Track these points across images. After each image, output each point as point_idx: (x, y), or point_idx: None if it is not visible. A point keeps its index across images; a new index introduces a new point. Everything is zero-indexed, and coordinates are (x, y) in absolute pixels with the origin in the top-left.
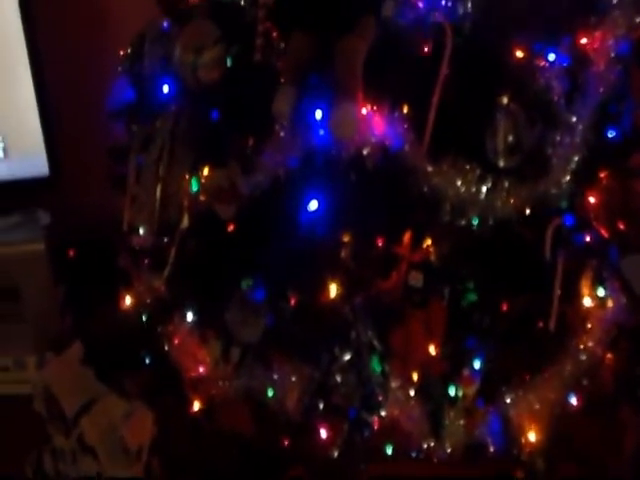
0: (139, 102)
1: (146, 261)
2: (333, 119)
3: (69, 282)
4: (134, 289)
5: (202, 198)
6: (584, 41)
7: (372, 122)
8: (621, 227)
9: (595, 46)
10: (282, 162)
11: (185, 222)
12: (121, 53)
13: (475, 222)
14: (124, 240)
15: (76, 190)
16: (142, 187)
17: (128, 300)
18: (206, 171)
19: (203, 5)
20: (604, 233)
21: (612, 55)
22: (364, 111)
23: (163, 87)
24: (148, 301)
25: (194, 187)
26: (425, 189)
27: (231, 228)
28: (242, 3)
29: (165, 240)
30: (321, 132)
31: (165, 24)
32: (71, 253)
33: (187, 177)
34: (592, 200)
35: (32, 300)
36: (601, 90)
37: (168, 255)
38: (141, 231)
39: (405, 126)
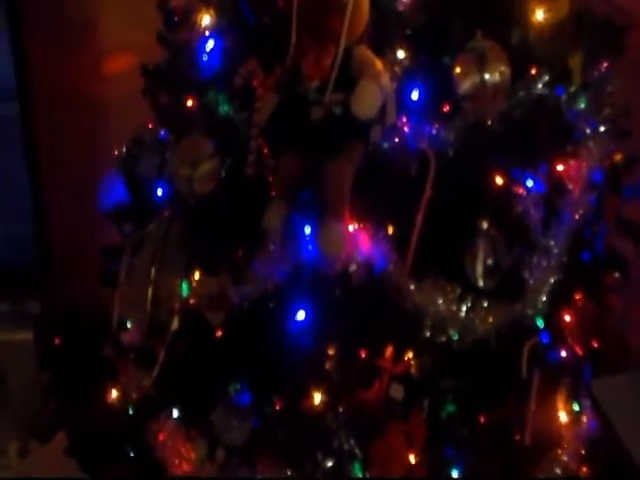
0: (133, 203)
1: (133, 357)
2: (321, 237)
3: (54, 370)
4: (120, 383)
5: (192, 302)
6: (560, 168)
7: (358, 241)
8: (595, 345)
9: (571, 174)
10: (272, 274)
11: (175, 324)
12: (115, 153)
13: (455, 338)
14: (112, 335)
15: (66, 282)
16: (133, 287)
17: (114, 393)
18: (197, 276)
19: (199, 118)
20: (579, 351)
21: (587, 182)
22: (351, 229)
23: (157, 191)
24: (134, 396)
25: (185, 291)
26: (408, 306)
27: (219, 333)
28: (235, 120)
29: (154, 340)
30: (309, 247)
31: (162, 132)
32: (57, 341)
33: (178, 281)
34: (567, 319)
35: (17, 386)
36: (576, 216)
37: (157, 354)
38: (130, 329)
39: (389, 246)
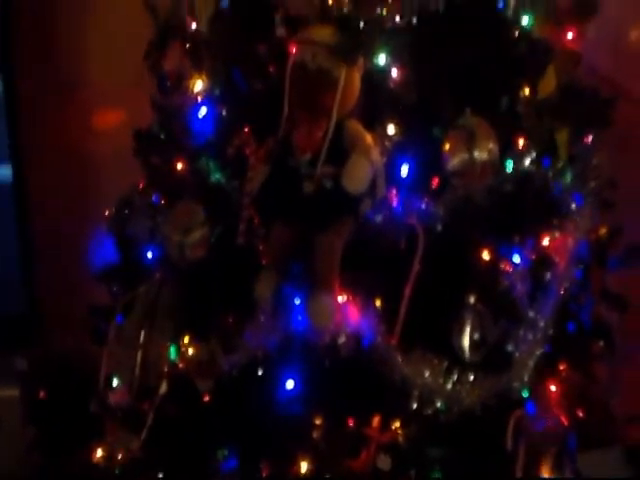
0: (122, 264)
1: (121, 418)
2: (311, 308)
3: (40, 426)
4: (106, 442)
5: (181, 366)
6: (546, 242)
7: (347, 313)
8: (580, 415)
9: (557, 247)
10: (262, 343)
11: (164, 388)
12: (106, 213)
13: (441, 409)
14: (99, 393)
15: (54, 339)
16: (123, 349)
17: (100, 452)
18: (186, 340)
19: (191, 184)
20: (564, 421)
21: (573, 255)
22: (340, 301)
23: (147, 253)
24: (121, 457)
25: (173, 355)
26: (395, 377)
27: (207, 398)
28: (227, 187)
29: (143, 402)
30: (299, 318)
31: (154, 196)
32: (43, 397)
33: (167, 344)
34: (553, 389)
35: (2, 442)
36: (562, 289)
37: (145, 417)
38: (118, 389)
39: (378, 318)
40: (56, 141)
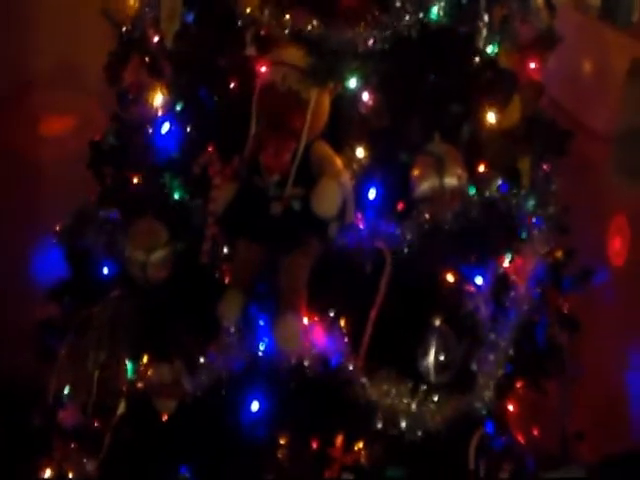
0: (75, 279)
1: (74, 439)
2: (277, 329)
3: None
4: (55, 460)
5: (140, 386)
6: (506, 265)
7: (313, 334)
8: (535, 433)
9: (517, 270)
10: (226, 364)
11: (122, 408)
12: (57, 227)
13: (406, 430)
14: (46, 410)
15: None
16: (77, 366)
17: (48, 472)
18: (145, 359)
19: (151, 201)
20: (520, 439)
21: (531, 278)
22: (306, 322)
23: (103, 269)
24: (71, 476)
25: (131, 374)
26: (360, 399)
27: (166, 419)
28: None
29: (99, 422)
30: (265, 340)
31: (112, 212)
32: None
33: (126, 363)
34: (510, 409)
35: None
36: (522, 310)
37: (100, 437)
38: (69, 408)
39: (343, 339)
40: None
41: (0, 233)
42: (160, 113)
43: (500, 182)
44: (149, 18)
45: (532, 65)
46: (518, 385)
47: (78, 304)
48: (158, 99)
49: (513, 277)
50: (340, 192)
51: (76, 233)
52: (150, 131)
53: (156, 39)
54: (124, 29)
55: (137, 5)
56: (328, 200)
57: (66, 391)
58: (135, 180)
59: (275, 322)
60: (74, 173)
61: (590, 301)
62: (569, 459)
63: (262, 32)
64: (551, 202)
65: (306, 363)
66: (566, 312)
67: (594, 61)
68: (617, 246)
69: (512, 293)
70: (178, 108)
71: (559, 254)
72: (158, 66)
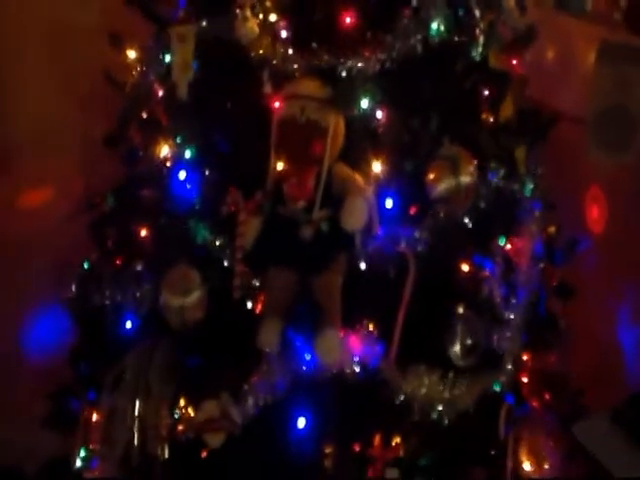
0: (91, 342)
1: None
2: (319, 345)
3: None
4: None
5: (180, 428)
6: (509, 247)
7: (351, 344)
8: (547, 398)
9: (519, 251)
10: (271, 389)
11: (165, 453)
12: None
13: (440, 415)
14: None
15: None
16: (113, 424)
17: None
18: (182, 402)
19: (182, 250)
20: (535, 404)
21: (533, 256)
22: (343, 334)
23: (126, 324)
24: None
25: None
26: (396, 396)
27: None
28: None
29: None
30: (307, 357)
31: (139, 267)
32: None
33: (165, 409)
34: (524, 380)
35: None
36: (529, 287)
37: None
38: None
39: (377, 343)
40: None
41: None
42: (169, 164)
43: (503, 172)
44: (153, 73)
45: (515, 62)
46: (526, 357)
47: (99, 364)
48: (165, 151)
49: (515, 258)
50: (366, 206)
51: (87, 295)
52: (166, 182)
53: (160, 93)
54: (128, 88)
55: (139, 64)
56: (357, 216)
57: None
58: (143, 233)
59: (316, 339)
60: (56, 243)
61: (576, 268)
62: (581, 414)
63: (276, 70)
64: (540, 185)
65: (347, 371)
66: (560, 282)
67: (558, 49)
68: (595, 215)
69: (518, 273)
70: (188, 156)
71: (552, 230)
72: (157, 120)
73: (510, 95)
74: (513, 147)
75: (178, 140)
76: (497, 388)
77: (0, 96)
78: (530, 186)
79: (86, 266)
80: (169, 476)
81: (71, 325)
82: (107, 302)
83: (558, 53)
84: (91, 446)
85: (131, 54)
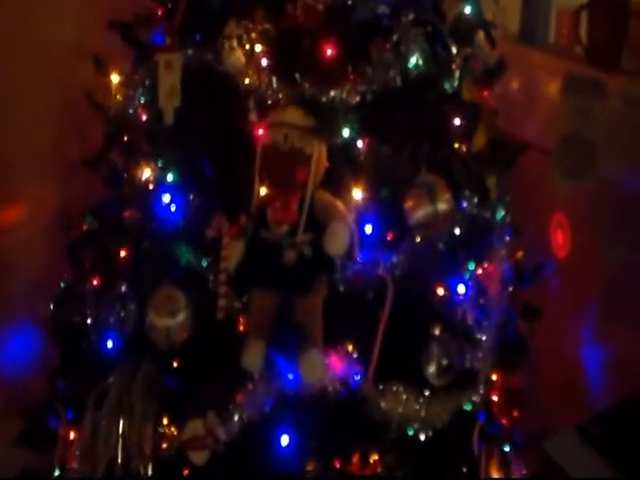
0: (71, 361)
1: None
2: (303, 365)
3: None
4: None
5: (164, 446)
6: (479, 272)
7: (332, 364)
8: (515, 415)
9: (487, 274)
10: (255, 408)
11: (149, 471)
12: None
13: (414, 434)
14: None
15: None
16: (96, 441)
17: None
18: (165, 420)
19: (166, 271)
20: (505, 422)
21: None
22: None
23: (107, 344)
24: None
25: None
26: (375, 413)
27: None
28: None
29: None
30: (290, 377)
31: (123, 287)
32: None
33: (149, 428)
34: (494, 398)
35: None
36: (499, 310)
37: None
38: None
39: (356, 362)
40: None
41: None
42: (151, 187)
43: (476, 199)
44: (139, 98)
45: (485, 93)
46: (495, 377)
47: (79, 383)
48: (146, 173)
49: (486, 282)
50: (348, 233)
51: (66, 315)
52: (149, 204)
53: (144, 118)
54: (112, 112)
55: (123, 88)
56: (339, 241)
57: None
58: (122, 253)
59: (299, 359)
60: (30, 261)
61: (541, 290)
62: (547, 431)
63: (261, 98)
64: (508, 210)
65: (329, 389)
66: (526, 304)
67: (523, 81)
68: (560, 239)
69: (489, 296)
70: (170, 179)
71: (520, 254)
72: (138, 144)
73: (482, 125)
74: (484, 176)
75: (159, 164)
76: (469, 407)
77: None
78: (501, 213)
79: (62, 285)
80: None
81: (48, 344)
82: (88, 322)
83: (524, 84)
84: (68, 465)
85: (115, 78)
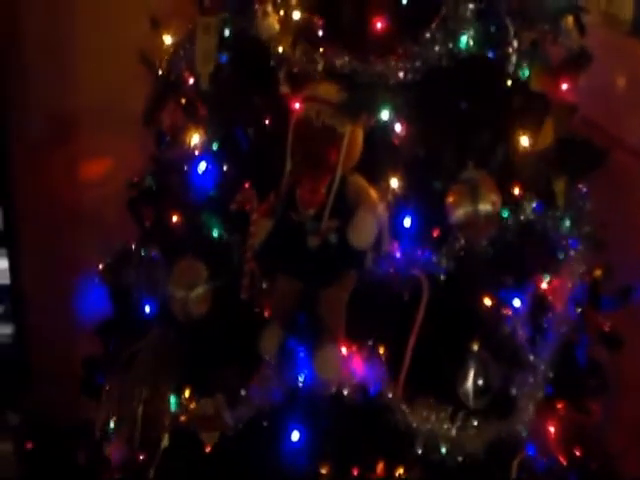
0: (119, 318)
1: (118, 470)
2: (317, 360)
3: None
4: None
5: (183, 419)
6: (544, 286)
7: (353, 364)
8: (577, 454)
9: (555, 291)
10: (267, 396)
11: (165, 441)
12: (100, 266)
13: (445, 454)
14: (93, 446)
15: (46, 392)
16: (122, 402)
17: None
18: (187, 394)
19: (190, 239)
20: (562, 461)
21: (570, 298)
22: (345, 352)
23: (145, 308)
24: None
25: (174, 408)
26: (400, 425)
27: (209, 450)
28: (227, 242)
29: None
30: (305, 371)
31: (154, 254)
32: (31, 448)
33: (169, 398)
34: (552, 430)
35: None
36: (561, 331)
37: (145, 470)
38: (115, 443)
39: (383, 367)
40: (46, 192)
41: (46, 277)
42: (197, 153)
43: (535, 204)
44: (184, 60)
45: (564, 86)
46: (559, 406)
47: (122, 342)
48: (195, 139)
49: (551, 299)
50: (375, 223)
51: (118, 273)
52: (188, 171)
53: (191, 81)
54: (160, 72)
55: (172, 48)
56: (364, 232)
57: (112, 426)
58: (174, 219)
59: (314, 353)
60: (113, 215)
61: (631, 317)
62: (613, 477)
63: (295, 70)
64: (587, 221)
65: (345, 392)
66: (607, 330)
67: (627, 76)
68: None
69: (550, 314)
70: (214, 147)
71: (598, 273)
72: (194, 107)
73: (550, 121)
74: (550, 178)
75: (206, 131)
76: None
77: (59, 69)
78: (567, 222)
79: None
80: (167, 465)
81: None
82: (130, 284)
83: (626, 79)
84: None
85: (167, 39)
